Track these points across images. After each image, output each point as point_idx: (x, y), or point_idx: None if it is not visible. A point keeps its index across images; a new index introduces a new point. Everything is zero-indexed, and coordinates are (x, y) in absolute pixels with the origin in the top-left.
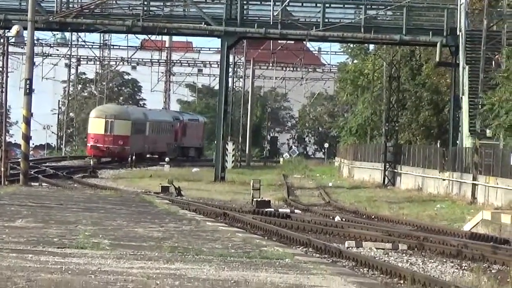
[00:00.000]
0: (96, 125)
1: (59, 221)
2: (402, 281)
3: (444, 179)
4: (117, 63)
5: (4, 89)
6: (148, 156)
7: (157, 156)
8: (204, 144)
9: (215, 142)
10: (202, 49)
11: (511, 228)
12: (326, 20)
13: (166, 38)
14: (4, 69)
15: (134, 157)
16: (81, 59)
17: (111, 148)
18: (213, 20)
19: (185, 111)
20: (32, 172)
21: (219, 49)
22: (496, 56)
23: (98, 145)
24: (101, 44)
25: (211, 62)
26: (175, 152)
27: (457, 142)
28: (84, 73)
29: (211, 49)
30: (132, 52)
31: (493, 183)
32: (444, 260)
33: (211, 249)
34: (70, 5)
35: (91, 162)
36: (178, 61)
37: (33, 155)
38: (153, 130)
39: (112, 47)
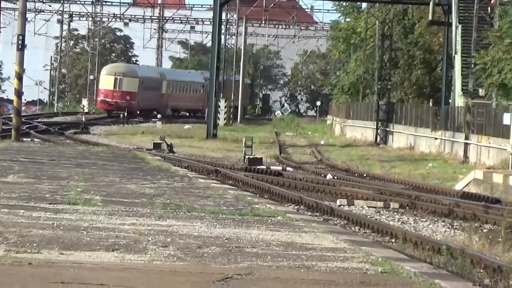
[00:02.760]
0: (106, 82)
1: (51, 177)
2: (393, 240)
3: (436, 138)
4: (110, 19)
5: None
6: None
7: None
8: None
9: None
10: (195, 6)
11: (503, 188)
12: None
13: None
14: None
15: (126, 113)
16: (74, 15)
17: (119, 102)
18: None
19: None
20: (24, 128)
21: (212, 6)
22: (492, 1)
23: (107, 99)
24: (94, 0)
25: (203, 19)
26: None
27: (450, 101)
28: (76, 29)
29: (203, 6)
30: (124, 9)
31: (485, 143)
32: (436, 219)
33: (203, 206)
34: None
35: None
36: (171, 18)
37: (25, 110)
38: (174, 89)
39: (104, 3)
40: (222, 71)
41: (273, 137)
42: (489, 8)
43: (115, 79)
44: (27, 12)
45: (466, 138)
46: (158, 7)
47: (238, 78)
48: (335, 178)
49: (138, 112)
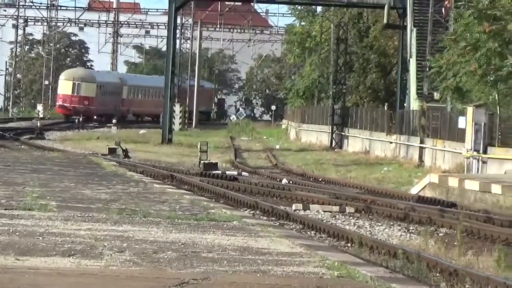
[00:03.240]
0: (64, 87)
1: (6, 183)
2: (349, 244)
3: (391, 142)
4: (65, 24)
5: None
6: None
7: (150, 119)
8: (212, 109)
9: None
10: (150, 10)
11: (458, 192)
12: None
13: None
14: None
15: (81, 119)
16: (29, 20)
17: (77, 107)
18: None
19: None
20: None
21: (167, 10)
22: (446, 2)
23: (65, 104)
24: (49, 5)
25: (158, 24)
26: None
27: (405, 104)
28: (31, 34)
29: (158, 10)
30: (79, 13)
31: (440, 146)
32: (392, 223)
33: (159, 211)
34: None
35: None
36: (126, 23)
37: None
38: (135, 94)
39: (59, 8)
40: (177, 75)
41: (228, 141)
42: (443, 11)
43: (73, 84)
44: None
45: (421, 142)
46: (113, 12)
47: (193, 83)
48: (291, 182)
49: (96, 116)
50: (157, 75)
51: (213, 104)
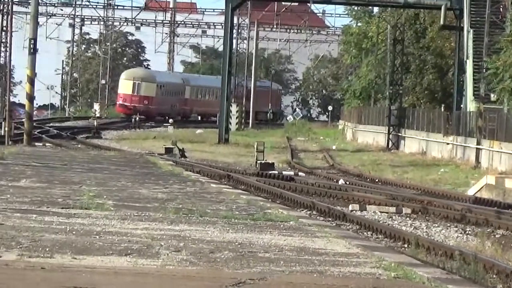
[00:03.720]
0: (125, 86)
1: (63, 181)
2: (406, 245)
3: (448, 143)
4: (121, 23)
5: (8, 48)
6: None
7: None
8: (279, 109)
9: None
10: (206, 10)
11: None
12: None
13: None
14: (8, 28)
15: (137, 118)
16: (85, 19)
17: (137, 106)
18: None
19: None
20: (35, 132)
21: (224, 10)
22: (503, 3)
23: (125, 103)
24: (105, 4)
25: (215, 24)
26: None
27: (461, 106)
28: (88, 33)
29: (215, 10)
30: (136, 13)
31: (497, 148)
32: (448, 225)
33: (216, 211)
34: None
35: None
36: (182, 22)
37: (37, 115)
38: (198, 94)
39: (116, 7)
40: (234, 75)
41: (285, 142)
42: (501, 10)
43: (134, 84)
44: (38, 16)
45: (478, 143)
46: (170, 11)
47: (257, 83)
48: (347, 183)
49: (156, 116)
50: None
51: (281, 105)
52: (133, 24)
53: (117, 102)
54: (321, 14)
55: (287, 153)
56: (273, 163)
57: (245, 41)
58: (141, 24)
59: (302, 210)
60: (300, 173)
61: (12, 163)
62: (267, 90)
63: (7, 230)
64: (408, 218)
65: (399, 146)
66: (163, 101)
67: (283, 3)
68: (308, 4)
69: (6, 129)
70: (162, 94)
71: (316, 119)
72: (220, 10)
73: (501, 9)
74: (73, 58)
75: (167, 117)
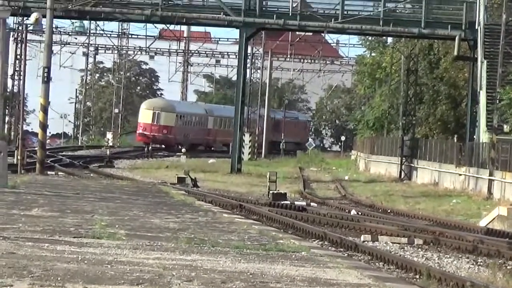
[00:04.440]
0: (145, 116)
1: (75, 211)
2: (417, 276)
3: (460, 174)
4: (135, 52)
5: (22, 76)
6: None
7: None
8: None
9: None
10: (220, 39)
11: None
12: (345, 12)
13: (184, 28)
14: (22, 56)
15: (150, 147)
16: (99, 48)
17: (157, 136)
18: (232, 11)
19: (278, 109)
20: (48, 161)
21: (237, 40)
22: None
23: (145, 133)
24: (119, 33)
25: (229, 53)
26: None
27: (474, 137)
28: (102, 62)
29: (229, 40)
30: (150, 42)
31: (509, 179)
32: (460, 256)
33: (227, 241)
34: None
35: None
36: (196, 51)
37: (50, 143)
38: (222, 124)
39: (130, 36)
40: (248, 105)
41: (297, 172)
42: None
43: (154, 113)
44: (53, 45)
45: (491, 174)
46: (184, 41)
47: (264, 112)
48: (359, 213)
49: (176, 145)
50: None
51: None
52: (147, 53)
53: (137, 131)
54: (335, 44)
55: (300, 183)
56: (285, 193)
57: (258, 70)
58: (155, 53)
59: (314, 241)
60: (312, 204)
61: (24, 192)
62: (296, 121)
63: (19, 259)
64: (419, 249)
65: (412, 177)
66: (184, 131)
67: (297, 33)
68: (322, 34)
69: (19, 157)
70: (183, 124)
71: (329, 149)
72: (234, 40)
73: None
74: (87, 87)
75: (185, 148)
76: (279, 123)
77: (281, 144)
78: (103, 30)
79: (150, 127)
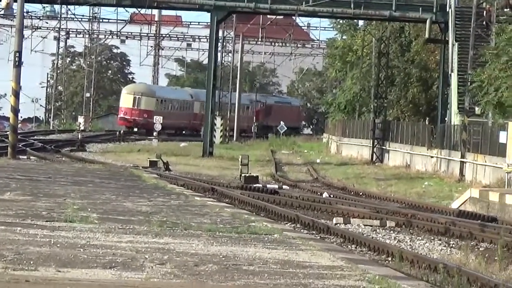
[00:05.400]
0: (126, 100)
1: (48, 194)
2: (390, 258)
3: (432, 156)
4: (106, 36)
5: None
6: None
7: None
8: (300, 125)
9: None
10: (192, 23)
11: (499, 206)
12: None
13: (155, 11)
14: None
15: (122, 131)
16: (70, 32)
17: (137, 120)
18: None
19: (270, 95)
20: (20, 145)
21: (209, 24)
22: (488, 7)
23: (126, 117)
24: (90, 17)
25: (200, 37)
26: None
27: (446, 119)
28: (73, 46)
29: (200, 24)
30: (121, 26)
31: (481, 161)
32: (432, 238)
33: (200, 224)
34: None
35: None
36: (167, 35)
37: (21, 128)
38: None
39: (101, 20)
40: (219, 88)
41: (269, 155)
42: (484, 12)
43: (134, 98)
44: (24, 29)
45: (462, 156)
46: (155, 25)
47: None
48: (331, 196)
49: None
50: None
51: (302, 121)
52: (118, 37)
53: (118, 115)
54: (306, 28)
55: (271, 167)
56: (257, 176)
57: (230, 54)
58: (126, 37)
59: (286, 223)
60: (284, 187)
61: None
62: (290, 107)
63: None
64: (392, 231)
65: (383, 159)
66: (165, 115)
67: (268, 16)
68: (293, 17)
69: None
70: (165, 109)
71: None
72: (205, 23)
73: (484, 13)
74: (58, 71)
75: (170, 131)
76: (271, 107)
77: (299, 129)
78: (74, 15)
79: (131, 111)
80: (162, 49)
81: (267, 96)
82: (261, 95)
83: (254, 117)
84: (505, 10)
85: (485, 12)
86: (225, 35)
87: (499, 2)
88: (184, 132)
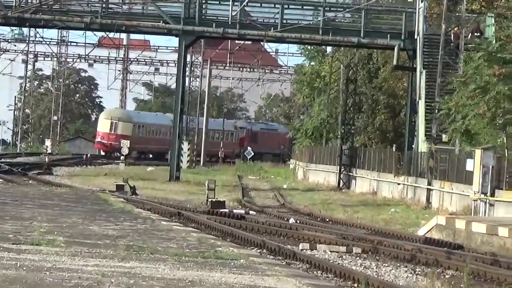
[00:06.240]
0: (103, 125)
1: (14, 217)
2: (356, 285)
3: (399, 183)
4: (74, 60)
5: None
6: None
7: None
8: (286, 151)
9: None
10: (160, 47)
11: (465, 234)
12: (284, 21)
13: (123, 35)
14: None
15: (89, 155)
16: (39, 55)
17: (113, 144)
18: (172, 19)
19: (258, 121)
20: None
21: (177, 48)
22: (455, 29)
23: (103, 141)
24: (59, 41)
25: (168, 61)
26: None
27: (413, 146)
28: (41, 69)
29: (168, 48)
30: (89, 49)
31: (448, 188)
32: (398, 265)
33: (166, 248)
34: (29, 1)
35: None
36: (135, 59)
37: None
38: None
39: (69, 43)
40: (186, 113)
41: (236, 180)
42: (452, 35)
43: (111, 123)
44: None
45: (429, 183)
46: (123, 48)
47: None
48: (298, 222)
49: (134, 153)
50: (220, 118)
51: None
52: (86, 61)
53: (96, 140)
54: (274, 53)
55: (238, 192)
56: (224, 202)
57: (198, 79)
58: (94, 61)
59: (253, 249)
60: (251, 212)
61: None
62: (276, 133)
63: None
64: (358, 258)
65: (350, 186)
66: (142, 140)
67: (236, 41)
68: (261, 42)
69: None
70: (142, 134)
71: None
72: (173, 48)
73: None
74: (26, 94)
75: (147, 155)
76: (256, 134)
77: (246, 153)
78: (42, 38)
79: (108, 136)
80: (130, 73)
81: (253, 124)
82: (247, 121)
83: (238, 143)
84: (475, 34)
85: (452, 35)
86: (193, 59)
87: (469, 26)
88: (166, 157)
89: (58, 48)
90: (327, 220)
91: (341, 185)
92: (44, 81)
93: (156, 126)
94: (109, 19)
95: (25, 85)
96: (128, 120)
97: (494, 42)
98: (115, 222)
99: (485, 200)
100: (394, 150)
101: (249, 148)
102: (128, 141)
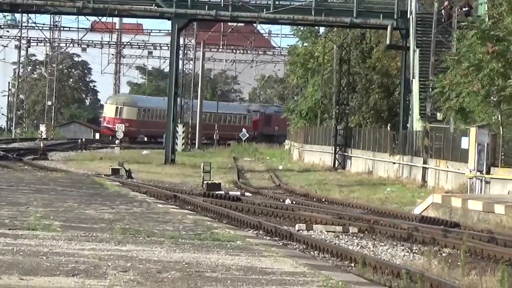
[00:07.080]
0: (109, 110)
1: (10, 203)
2: (352, 264)
3: (394, 163)
4: (67, 44)
5: None
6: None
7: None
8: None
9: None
10: (153, 31)
11: (461, 212)
12: (277, 3)
13: (116, 20)
14: None
15: (84, 139)
16: (31, 41)
17: None
18: (164, 2)
19: (270, 105)
20: None
21: (170, 31)
22: (445, 3)
23: (109, 126)
24: (52, 26)
25: (161, 44)
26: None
27: (408, 125)
28: (34, 55)
29: (161, 31)
30: (82, 34)
31: (443, 167)
32: (395, 243)
33: (162, 231)
34: None
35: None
36: (129, 43)
37: None
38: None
39: (62, 28)
40: (180, 96)
41: (232, 162)
42: (443, 13)
43: (117, 108)
44: None
45: (424, 162)
46: (116, 33)
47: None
48: (294, 203)
49: (138, 137)
50: (225, 102)
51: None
52: (79, 46)
53: (102, 125)
54: (267, 35)
55: (234, 174)
56: (219, 184)
57: (191, 61)
58: (87, 46)
59: (249, 230)
60: (246, 193)
61: None
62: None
63: None
64: (354, 237)
65: (346, 166)
66: (147, 124)
67: (229, 24)
68: (254, 24)
69: None
70: (147, 118)
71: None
72: (166, 31)
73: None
74: (19, 80)
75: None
76: (270, 117)
77: (241, 135)
78: (35, 23)
79: (113, 121)
80: (124, 57)
81: (267, 107)
82: (261, 104)
83: (252, 126)
84: (464, 9)
85: (443, 10)
86: (186, 42)
87: (460, 3)
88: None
89: (51, 33)
90: (323, 200)
91: (336, 165)
92: (37, 66)
93: (160, 110)
94: (101, 3)
95: (19, 71)
96: (133, 104)
97: (487, 20)
98: (111, 205)
99: (480, 177)
100: (389, 129)
101: (244, 129)
102: (123, 125)
